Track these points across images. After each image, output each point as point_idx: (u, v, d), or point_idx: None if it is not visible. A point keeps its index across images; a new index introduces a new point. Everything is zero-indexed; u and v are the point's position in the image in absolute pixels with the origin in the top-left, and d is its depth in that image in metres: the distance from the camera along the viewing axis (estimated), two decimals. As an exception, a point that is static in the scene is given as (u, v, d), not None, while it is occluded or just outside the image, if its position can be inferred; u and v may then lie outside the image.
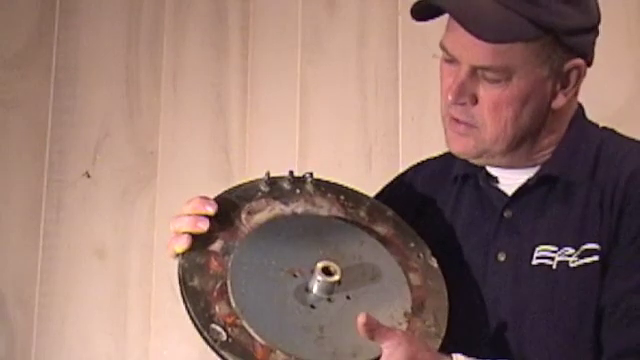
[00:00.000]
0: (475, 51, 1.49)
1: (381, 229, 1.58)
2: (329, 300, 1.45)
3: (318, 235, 1.52)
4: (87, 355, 2.53)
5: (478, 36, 1.46)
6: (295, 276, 1.46)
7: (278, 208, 1.54)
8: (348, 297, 1.46)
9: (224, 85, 2.61)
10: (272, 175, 1.56)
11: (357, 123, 2.53)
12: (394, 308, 1.47)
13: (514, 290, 1.51)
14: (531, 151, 1.56)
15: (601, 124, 1.64)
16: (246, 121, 2.58)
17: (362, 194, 1.63)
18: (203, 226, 1.47)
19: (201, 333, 1.40)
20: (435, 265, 1.55)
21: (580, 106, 1.61)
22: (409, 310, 1.48)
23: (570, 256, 1.48)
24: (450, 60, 1.53)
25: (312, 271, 1.45)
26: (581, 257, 1.48)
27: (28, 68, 2.66)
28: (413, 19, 1.53)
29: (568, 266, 1.48)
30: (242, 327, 1.40)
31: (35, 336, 2.54)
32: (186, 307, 1.42)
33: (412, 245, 1.57)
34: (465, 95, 1.51)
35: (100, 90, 2.65)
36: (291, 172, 1.58)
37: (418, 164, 1.75)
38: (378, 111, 2.53)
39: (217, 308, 1.42)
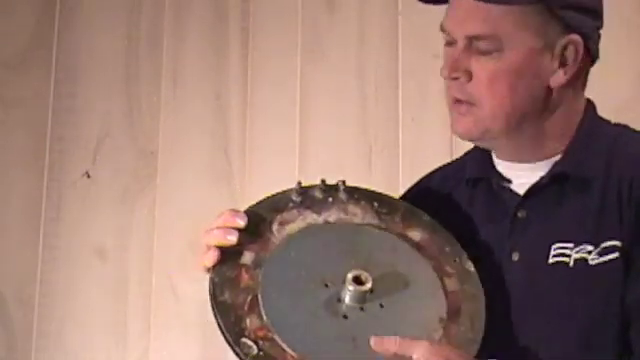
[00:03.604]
0: (467, 22, 1.51)
1: (416, 234, 1.56)
2: (362, 309, 1.43)
3: (350, 244, 1.50)
4: (87, 355, 2.53)
5: None
6: (327, 286, 1.44)
7: (310, 218, 1.53)
8: (381, 305, 1.44)
9: (224, 85, 2.60)
10: (304, 185, 1.54)
11: (357, 123, 2.53)
12: (429, 314, 1.45)
13: (529, 289, 1.50)
14: (537, 138, 1.56)
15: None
16: (246, 121, 2.58)
17: (396, 200, 1.61)
18: (232, 238, 1.46)
19: (232, 347, 1.38)
20: (472, 269, 1.52)
21: (590, 102, 1.61)
22: (444, 316, 1.45)
23: (589, 253, 1.47)
24: (449, 43, 1.55)
25: (343, 281, 1.43)
26: (601, 255, 1.47)
27: (28, 68, 2.66)
28: (420, 1, 1.56)
29: (587, 264, 1.47)
30: (273, 340, 1.39)
31: (35, 336, 2.54)
32: (217, 321, 1.41)
33: (447, 249, 1.54)
34: (459, 70, 1.52)
35: (100, 90, 2.65)
36: (323, 180, 1.56)
37: (430, 173, 1.74)
38: (378, 111, 2.52)
39: (248, 321, 1.40)
